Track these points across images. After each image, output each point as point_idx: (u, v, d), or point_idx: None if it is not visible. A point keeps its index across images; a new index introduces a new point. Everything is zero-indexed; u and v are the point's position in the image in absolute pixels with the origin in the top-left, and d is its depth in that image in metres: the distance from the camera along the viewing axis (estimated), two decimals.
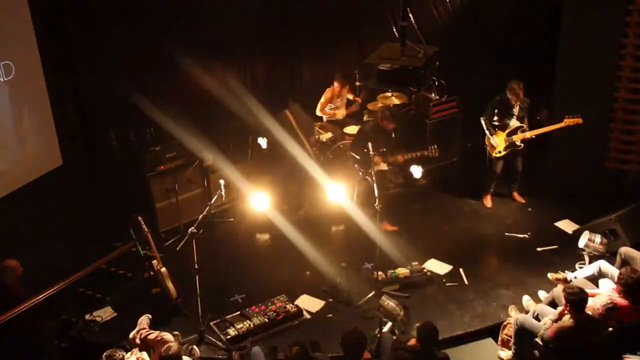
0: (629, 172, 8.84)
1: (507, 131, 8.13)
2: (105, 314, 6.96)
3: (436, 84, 9.28)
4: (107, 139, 8.17)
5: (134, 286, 7.43)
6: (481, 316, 6.71)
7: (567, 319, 5.54)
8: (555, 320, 5.63)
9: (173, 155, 8.11)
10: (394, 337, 6.16)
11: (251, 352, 6.02)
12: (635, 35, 8.26)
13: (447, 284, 7.21)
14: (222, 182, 6.93)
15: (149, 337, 5.74)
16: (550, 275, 6.96)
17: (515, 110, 8.06)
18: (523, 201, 8.63)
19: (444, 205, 8.72)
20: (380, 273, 7.12)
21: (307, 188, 8.62)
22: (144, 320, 6.25)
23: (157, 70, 8.58)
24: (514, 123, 8.10)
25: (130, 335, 6.04)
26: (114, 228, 8.09)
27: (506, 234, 8.04)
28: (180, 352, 5.29)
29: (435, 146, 7.80)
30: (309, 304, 6.98)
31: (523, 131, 8.07)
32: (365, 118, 9.53)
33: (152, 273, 6.93)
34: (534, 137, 8.06)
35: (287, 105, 8.34)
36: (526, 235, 7.98)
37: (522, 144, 8.15)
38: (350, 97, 9.57)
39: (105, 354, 5.15)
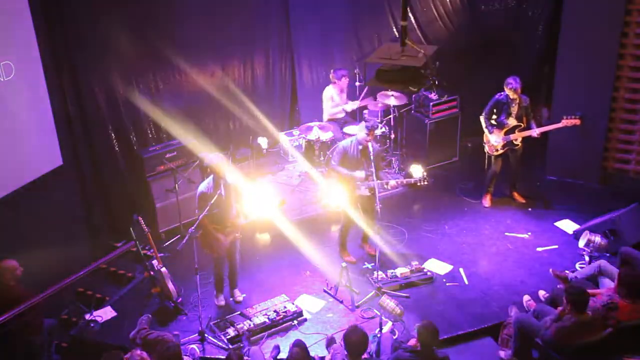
0: (629, 172, 8.84)
1: (504, 130, 8.13)
2: (105, 314, 6.96)
3: (436, 83, 9.28)
4: (106, 139, 8.17)
5: (134, 286, 7.44)
6: (481, 316, 6.71)
7: (567, 319, 5.54)
8: (555, 320, 5.63)
9: (173, 155, 8.12)
10: (394, 337, 6.17)
11: (250, 351, 6.02)
12: (635, 35, 8.26)
13: (447, 284, 7.21)
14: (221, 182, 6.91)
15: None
16: (551, 271, 6.96)
17: (514, 109, 8.06)
18: (523, 201, 8.62)
19: (444, 205, 8.72)
20: (380, 273, 7.13)
21: None
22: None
23: (157, 70, 8.59)
24: (511, 122, 8.09)
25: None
26: (114, 228, 8.12)
27: (506, 234, 8.04)
28: (180, 351, 5.30)
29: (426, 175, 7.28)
30: (309, 304, 6.99)
31: (521, 130, 8.07)
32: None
33: (152, 273, 6.93)
34: (535, 135, 8.06)
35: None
36: (526, 235, 7.99)
37: (520, 143, 8.15)
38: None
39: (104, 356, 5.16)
